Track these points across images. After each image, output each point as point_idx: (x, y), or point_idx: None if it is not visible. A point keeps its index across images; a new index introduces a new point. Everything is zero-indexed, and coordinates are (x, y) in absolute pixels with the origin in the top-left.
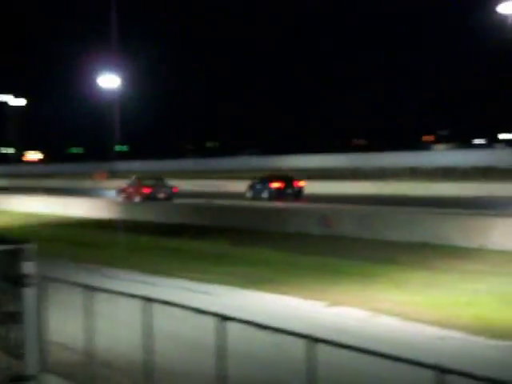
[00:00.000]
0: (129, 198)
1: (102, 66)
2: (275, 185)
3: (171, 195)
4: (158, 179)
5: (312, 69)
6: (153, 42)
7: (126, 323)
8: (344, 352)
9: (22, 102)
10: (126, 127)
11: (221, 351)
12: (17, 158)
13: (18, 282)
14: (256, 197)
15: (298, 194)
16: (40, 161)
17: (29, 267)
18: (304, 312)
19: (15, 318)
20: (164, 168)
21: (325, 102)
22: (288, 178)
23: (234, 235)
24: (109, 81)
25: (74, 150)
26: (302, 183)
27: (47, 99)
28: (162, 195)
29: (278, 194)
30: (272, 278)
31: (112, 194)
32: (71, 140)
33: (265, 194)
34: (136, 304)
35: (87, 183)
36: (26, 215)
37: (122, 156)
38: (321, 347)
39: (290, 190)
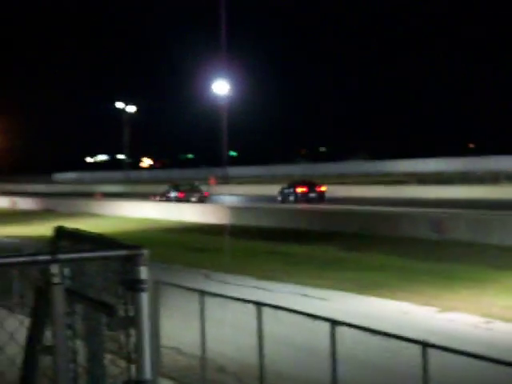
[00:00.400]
0: (167, 200)
1: (215, 72)
2: (300, 189)
3: (202, 199)
4: (193, 185)
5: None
6: (264, 48)
7: (237, 328)
8: (457, 358)
9: (132, 108)
10: (237, 133)
11: (332, 355)
12: (132, 165)
13: (132, 287)
14: (284, 200)
15: (321, 198)
16: (153, 167)
17: (143, 272)
18: (416, 317)
19: (131, 322)
20: (273, 173)
21: (442, 106)
22: (312, 183)
23: (345, 240)
24: (221, 87)
25: (187, 156)
26: (323, 188)
27: (160, 106)
28: (193, 199)
29: (302, 198)
30: (385, 283)
31: (229, 198)
32: (183, 146)
33: (291, 198)
34: (248, 309)
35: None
36: (140, 221)
37: (233, 162)
38: (433, 352)
39: (313, 194)
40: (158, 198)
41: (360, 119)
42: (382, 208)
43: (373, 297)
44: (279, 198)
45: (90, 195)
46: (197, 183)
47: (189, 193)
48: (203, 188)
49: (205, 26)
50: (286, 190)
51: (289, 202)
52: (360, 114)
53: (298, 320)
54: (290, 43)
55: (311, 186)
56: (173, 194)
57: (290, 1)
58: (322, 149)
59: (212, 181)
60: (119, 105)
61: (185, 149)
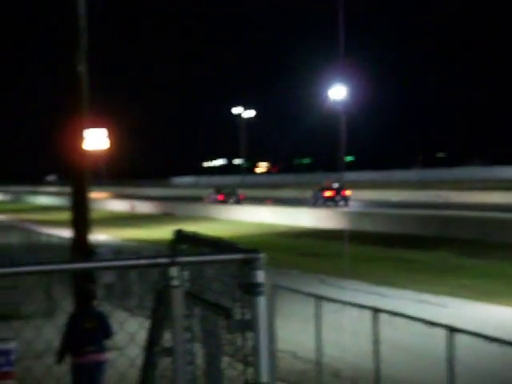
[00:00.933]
0: (213, 202)
1: (332, 76)
2: (327, 193)
3: (238, 201)
4: (231, 189)
5: None
6: (381, 52)
7: (353, 333)
8: None
9: (251, 113)
10: (353, 137)
11: (449, 362)
12: (248, 169)
13: (249, 290)
14: (315, 203)
15: (346, 201)
16: (269, 171)
17: (260, 276)
18: None
19: (248, 326)
20: (389, 179)
21: None
22: (338, 188)
23: (461, 246)
24: (338, 91)
25: (305, 161)
26: (348, 192)
27: (277, 111)
28: (231, 200)
29: (329, 201)
30: (506, 290)
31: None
32: (300, 151)
33: (320, 201)
34: (364, 314)
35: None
36: (255, 225)
37: (349, 166)
38: None
39: (338, 198)
40: (206, 201)
41: (480, 124)
42: (500, 214)
43: (493, 304)
44: (311, 202)
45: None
46: (234, 188)
47: (228, 196)
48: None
49: (322, 31)
50: (317, 194)
51: (318, 204)
52: (480, 119)
53: (415, 326)
54: (407, 46)
55: (337, 190)
56: (213, 197)
57: (403, 4)
58: (441, 154)
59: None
60: (236, 110)
61: (301, 153)
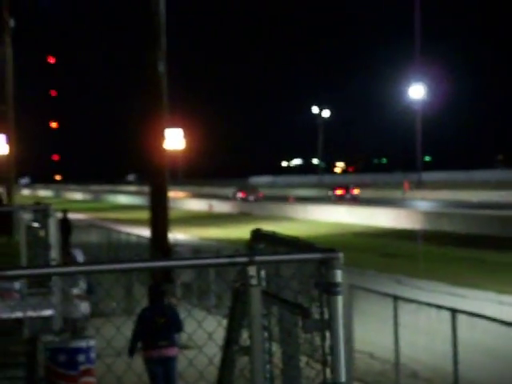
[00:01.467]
0: (235, 200)
1: (411, 76)
2: (338, 192)
3: (257, 198)
4: (252, 188)
5: None
6: (459, 50)
7: (431, 333)
8: None
9: (327, 113)
10: (432, 137)
11: None
12: (325, 169)
13: (327, 290)
14: (329, 200)
15: (354, 199)
16: (347, 171)
17: (338, 276)
18: None
19: (326, 325)
20: (469, 179)
21: None
22: (347, 187)
23: None
24: (416, 91)
25: (381, 161)
26: (356, 191)
27: (355, 111)
28: (251, 198)
29: (340, 198)
30: None
31: (423, 204)
32: (377, 151)
33: (332, 198)
34: (442, 315)
35: (394, 193)
36: (332, 225)
37: (427, 166)
38: None
39: (348, 196)
40: (234, 198)
41: None
42: None
43: None
44: (333, 197)
45: (283, 199)
46: (255, 187)
47: (248, 193)
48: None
49: (401, 31)
50: (330, 193)
51: (331, 200)
52: None
53: (495, 328)
54: (487, 45)
55: (347, 188)
56: (238, 195)
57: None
58: None
59: (406, 186)
60: (315, 110)
61: (378, 153)
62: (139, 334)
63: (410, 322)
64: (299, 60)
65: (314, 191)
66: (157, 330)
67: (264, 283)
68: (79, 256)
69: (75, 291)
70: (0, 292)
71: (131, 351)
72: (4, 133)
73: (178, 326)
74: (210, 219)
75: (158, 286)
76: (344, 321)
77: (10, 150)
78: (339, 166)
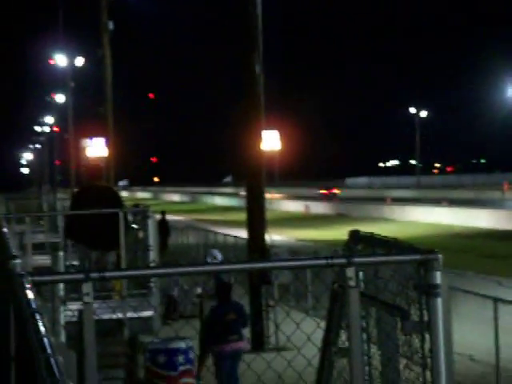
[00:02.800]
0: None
1: (509, 77)
2: (322, 191)
3: (332, 196)
4: (329, 188)
5: None
6: None
7: None
8: None
9: (425, 113)
10: None
11: None
12: (423, 170)
13: (427, 291)
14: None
15: (333, 197)
16: (445, 172)
17: (438, 277)
18: None
19: (425, 327)
20: None
21: None
22: (328, 186)
23: None
24: None
25: (480, 161)
26: (336, 190)
27: (453, 110)
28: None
29: (324, 197)
30: None
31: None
32: (476, 151)
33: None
34: None
35: (493, 194)
36: (430, 226)
37: None
38: None
39: (330, 195)
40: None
41: None
42: None
43: None
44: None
45: (380, 200)
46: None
47: (327, 190)
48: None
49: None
50: (318, 192)
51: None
52: None
53: None
54: None
55: (329, 188)
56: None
57: None
58: None
59: (505, 186)
60: (412, 110)
61: (477, 153)
62: (211, 331)
63: (510, 324)
64: (402, 60)
65: (411, 192)
66: (228, 326)
67: (362, 285)
68: (218, 255)
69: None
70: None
71: (203, 348)
72: (103, 136)
73: (245, 321)
74: (307, 220)
75: (226, 284)
76: (443, 323)
77: (109, 152)
78: (437, 167)
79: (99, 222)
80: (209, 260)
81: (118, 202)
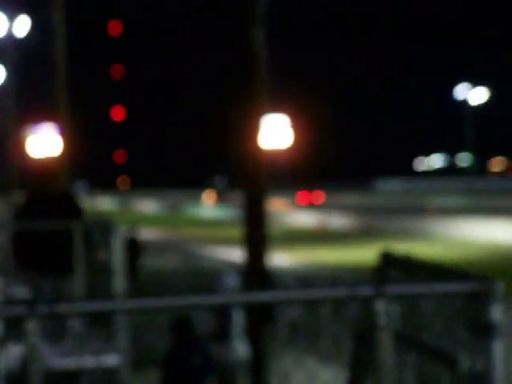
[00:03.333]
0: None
1: None
2: (300, 194)
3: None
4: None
5: None
6: None
7: None
8: None
9: (479, 97)
10: None
11: None
12: (477, 171)
13: (481, 331)
14: None
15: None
16: (506, 173)
17: (495, 313)
18: None
19: (481, 378)
20: None
21: None
22: (310, 189)
23: None
24: None
25: None
26: (318, 197)
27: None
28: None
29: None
30: None
31: None
32: None
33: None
34: None
35: None
36: (484, 244)
37: None
38: None
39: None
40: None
41: None
42: None
43: None
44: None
45: (420, 210)
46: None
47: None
48: None
49: None
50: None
51: None
52: None
53: None
54: None
55: (311, 191)
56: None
57: None
58: None
59: None
60: (460, 92)
61: None
62: (170, 381)
63: None
64: (443, 29)
65: (460, 200)
66: (192, 373)
67: (396, 322)
68: (232, 280)
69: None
70: (52, 333)
71: None
72: (55, 123)
73: (213, 365)
74: (323, 237)
75: (187, 316)
76: (504, 371)
77: (63, 144)
78: (496, 165)
79: (52, 238)
80: (220, 287)
81: (77, 211)
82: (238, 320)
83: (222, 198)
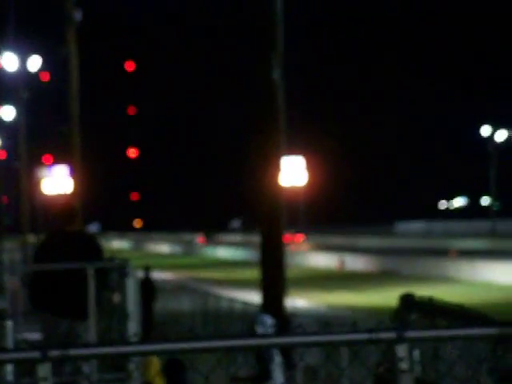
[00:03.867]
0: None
1: None
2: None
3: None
4: (212, 231)
5: None
6: None
7: None
8: None
9: (502, 135)
10: None
11: None
12: (501, 212)
13: (506, 378)
14: None
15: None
16: None
17: None
18: None
19: None
20: None
21: None
22: (295, 231)
23: None
24: None
25: None
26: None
27: None
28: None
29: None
30: None
31: None
32: None
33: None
34: None
35: None
36: (510, 288)
37: None
38: None
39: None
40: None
41: None
42: None
43: None
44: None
45: (442, 253)
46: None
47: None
48: None
49: None
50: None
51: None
52: None
53: None
54: None
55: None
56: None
57: None
58: None
59: None
60: (485, 131)
61: None
62: None
63: None
64: (465, 69)
65: (484, 243)
66: None
67: (418, 368)
68: (268, 321)
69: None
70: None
71: None
72: (67, 163)
73: None
74: (342, 280)
75: (176, 362)
76: None
77: (75, 185)
78: None
79: (69, 280)
80: (260, 330)
81: (97, 252)
82: (279, 361)
83: (210, 240)
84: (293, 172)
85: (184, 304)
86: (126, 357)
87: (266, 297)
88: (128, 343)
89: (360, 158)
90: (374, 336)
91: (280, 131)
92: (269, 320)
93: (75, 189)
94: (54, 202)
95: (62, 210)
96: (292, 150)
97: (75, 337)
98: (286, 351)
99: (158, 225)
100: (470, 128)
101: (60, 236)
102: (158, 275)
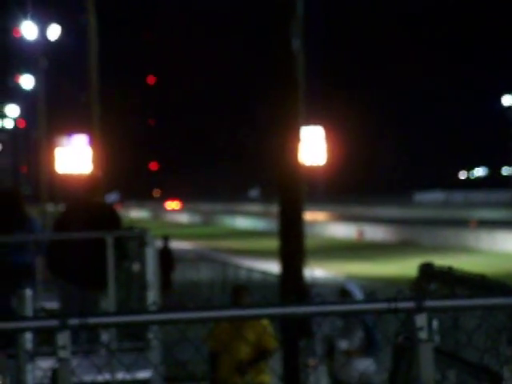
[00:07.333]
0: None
1: None
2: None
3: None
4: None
5: None
6: None
7: None
8: None
9: None
10: None
11: None
12: None
13: None
14: None
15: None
16: None
17: None
18: None
19: None
20: None
21: None
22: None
23: None
24: None
25: None
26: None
27: None
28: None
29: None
30: None
31: None
32: None
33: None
34: None
35: None
36: None
37: None
38: None
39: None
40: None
41: None
42: None
43: None
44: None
45: (462, 223)
46: None
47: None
48: None
49: None
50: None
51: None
52: None
53: None
54: None
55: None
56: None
57: None
58: None
59: None
60: (506, 101)
61: None
62: None
63: None
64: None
65: (504, 212)
66: None
67: (437, 338)
68: (355, 291)
69: (343, 345)
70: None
71: None
72: (86, 132)
73: None
74: (361, 250)
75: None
76: None
77: (94, 155)
78: None
79: (86, 249)
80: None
81: (116, 224)
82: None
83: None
84: (312, 144)
85: (203, 274)
86: (145, 325)
87: (284, 267)
88: (147, 312)
89: (380, 128)
90: (393, 305)
91: (299, 102)
92: (355, 290)
93: (94, 158)
94: (73, 172)
95: (87, 181)
96: (311, 121)
97: (92, 305)
98: (305, 321)
99: (177, 194)
100: (492, 98)
101: (81, 206)
102: (176, 245)
